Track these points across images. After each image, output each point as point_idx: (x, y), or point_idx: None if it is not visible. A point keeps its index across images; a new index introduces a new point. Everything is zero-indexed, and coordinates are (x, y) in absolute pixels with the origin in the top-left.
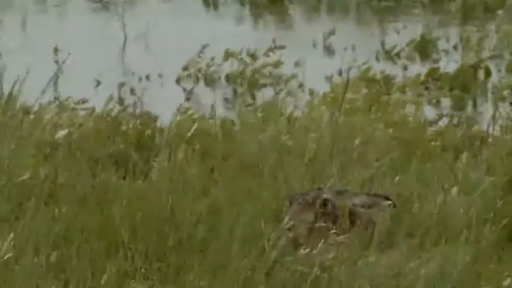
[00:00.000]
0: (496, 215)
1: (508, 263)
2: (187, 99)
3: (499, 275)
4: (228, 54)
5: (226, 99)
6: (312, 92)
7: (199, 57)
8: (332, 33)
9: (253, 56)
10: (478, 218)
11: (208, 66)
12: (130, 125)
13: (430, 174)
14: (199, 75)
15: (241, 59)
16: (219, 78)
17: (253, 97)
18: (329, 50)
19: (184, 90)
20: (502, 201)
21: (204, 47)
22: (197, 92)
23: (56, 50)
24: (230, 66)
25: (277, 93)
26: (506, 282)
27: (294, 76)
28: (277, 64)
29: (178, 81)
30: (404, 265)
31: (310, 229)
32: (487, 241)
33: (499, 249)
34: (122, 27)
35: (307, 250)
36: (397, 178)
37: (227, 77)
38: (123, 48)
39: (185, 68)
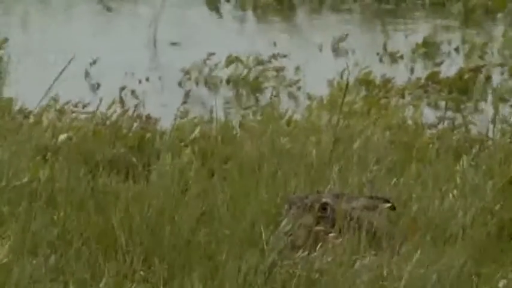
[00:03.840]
0: (494, 217)
1: (504, 265)
2: (185, 102)
3: (496, 276)
4: (230, 61)
5: (226, 102)
6: (310, 96)
7: (205, 63)
8: (342, 39)
9: (254, 63)
10: (476, 220)
11: (210, 70)
12: (131, 129)
13: (429, 177)
14: (201, 78)
15: (244, 64)
16: (221, 81)
17: (254, 100)
18: (330, 53)
19: (182, 91)
20: (499, 204)
21: (211, 54)
22: (198, 94)
23: (59, 53)
24: (232, 70)
25: (275, 96)
26: (501, 284)
27: (296, 82)
28: (279, 70)
29: (180, 84)
30: (403, 267)
31: (309, 233)
32: (484, 243)
33: (497, 251)
34: (119, 27)
35: (306, 253)
36: (396, 181)
37: (228, 80)
38: (125, 50)
39: (187, 72)
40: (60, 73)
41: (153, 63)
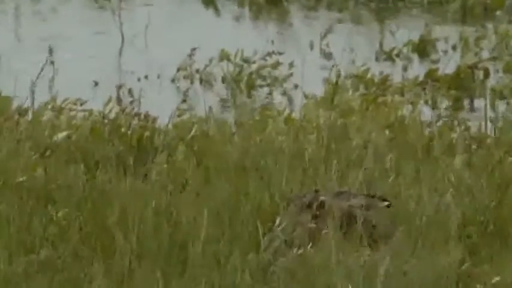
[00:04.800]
0: (490, 216)
1: (499, 263)
2: (184, 100)
3: (490, 275)
4: (223, 55)
5: (223, 101)
6: (307, 95)
7: (191, 59)
8: (329, 31)
9: (247, 61)
10: (472, 219)
11: (205, 67)
12: (130, 127)
13: (426, 175)
14: (196, 76)
15: (236, 63)
16: (215, 79)
17: (251, 98)
18: (327, 51)
19: (177, 89)
20: (495, 203)
21: (194, 49)
22: (193, 93)
23: (50, 50)
24: (226, 68)
25: (271, 94)
26: (494, 281)
27: (288, 76)
28: (275, 65)
29: (173, 81)
30: (399, 265)
31: (307, 231)
32: (480, 242)
33: (492, 249)
34: (120, 27)
35: (303, 251)
36: (394, 179)
37: (223, 79)
38: (121, 49)
39: (180, 69)
40: (42, 69)
41: (133, 60)
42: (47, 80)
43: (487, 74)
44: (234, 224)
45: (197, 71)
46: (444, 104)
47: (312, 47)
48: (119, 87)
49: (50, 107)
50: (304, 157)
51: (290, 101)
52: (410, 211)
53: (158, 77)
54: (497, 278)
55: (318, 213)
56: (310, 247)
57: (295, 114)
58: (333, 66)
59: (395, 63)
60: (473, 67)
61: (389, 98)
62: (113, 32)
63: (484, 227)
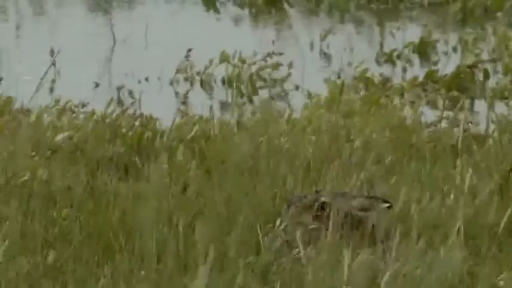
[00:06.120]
0: (492, 217)
1: (502, 264)
2: (183, 102)
3: (494, 276)
4: (223, 57)
5: (223, 102)
6: (309, 95)
7: (187, 60)
8: (329, 32)
9: (245, 62)
10: (474, 220)
11: (205, 68)
12: (131, 128)
13: (427, 176)
14: (196, 77)
15: (235, 65)
16: (215, 81)
17: (251, 99)
18: (327, 53)
19: (176, 93)
20: (497, 203)
21: (190, 50)
22: (193, 94)
23: (52, 51)
24: (226, 69)
25: (272, 96)
26: (500, 284)
27: (287, 76)
28: (275, 66)
29: (171, 83)
30: (400, 267)
31: (308, 232)
32: (483, 243)
33: (495, 251)
34: (111, 28)
35: (304, 252)
36: (395, 180)
37: (224, 80)
38: (113, 49)
39: (178, 71)
40: (46, 72)
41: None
42: (49, 81)
43: (487, 75)
44: (235, 224)
45: (197, 73)
46: (445, 104)
47: (312, 48)
48: (119, 88)
49: (51, 108)
50: (306, 158)
51: (291, 102)
52: (412, 212)
53: (158, 78)
54: (500, 280)
55: (319, 214)
56: (311, 248)
57: (296, 115)
58: (339, 70)
59: (396, 65)
60: (472, 67)
61: (391, 99)
62: (115, 32)
63: (486, 227)
